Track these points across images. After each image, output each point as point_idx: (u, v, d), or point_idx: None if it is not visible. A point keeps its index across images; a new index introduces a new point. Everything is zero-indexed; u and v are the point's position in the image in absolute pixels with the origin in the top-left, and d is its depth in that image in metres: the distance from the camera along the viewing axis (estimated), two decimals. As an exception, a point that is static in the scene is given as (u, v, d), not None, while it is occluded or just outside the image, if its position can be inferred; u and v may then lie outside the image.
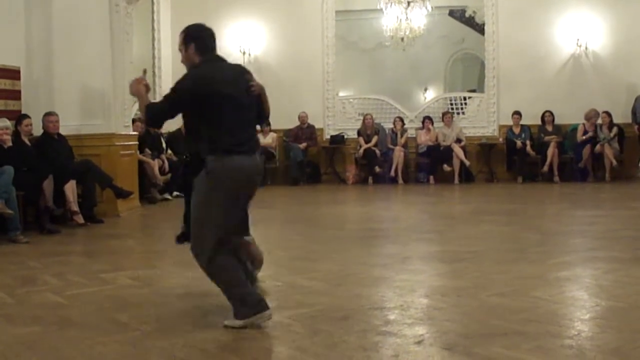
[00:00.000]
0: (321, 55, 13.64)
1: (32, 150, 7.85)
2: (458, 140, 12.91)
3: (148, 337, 3.54)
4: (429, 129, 13.12)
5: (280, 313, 3.82)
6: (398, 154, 12.87)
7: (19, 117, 7.98)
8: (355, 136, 13.32)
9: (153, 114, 3.73)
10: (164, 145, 11.26)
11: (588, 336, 3.43)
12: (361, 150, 13.08)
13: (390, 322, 3.72)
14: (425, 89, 18.16)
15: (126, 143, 9.19)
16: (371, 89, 15.84)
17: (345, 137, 13.53)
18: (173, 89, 3.70)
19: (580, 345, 3.24)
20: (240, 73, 3.86)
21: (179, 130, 10.11)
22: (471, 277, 4.77)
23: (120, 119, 9.02)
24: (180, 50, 3.85)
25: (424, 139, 13.12)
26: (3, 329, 3.79)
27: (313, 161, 13.60)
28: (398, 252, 5.96)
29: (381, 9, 13.10)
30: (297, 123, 13.34)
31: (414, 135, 13.30)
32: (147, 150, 10.59)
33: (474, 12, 16.42)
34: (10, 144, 7.42)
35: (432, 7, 13.21)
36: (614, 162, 12.17)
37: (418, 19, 12.97)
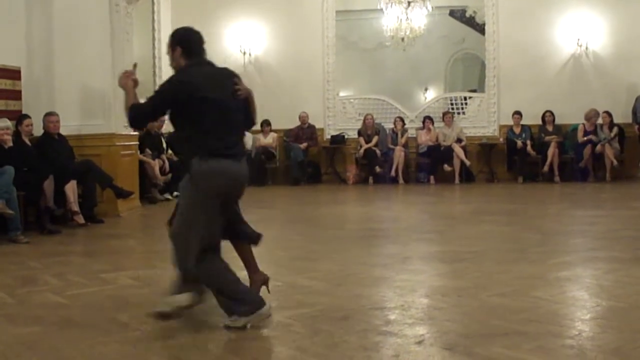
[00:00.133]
0: (321, 55, 13.64)
1: (32, 151, 7.85)
2: (458, 140, 12.92)
3: (148, 337, 3.54)
4: (429, 129, 13.12)
5: (280, 313, 3.82)
6: (398, 154, 12.87)
7: (19, 117, 7.98)
8: (356, 136, 13.32)
9: (136, 114, 3.72)
10: (164, 145, 11.26)
11: (589, 336, 3.43)
12: (362, 150, 13.08)
13: (391, 322, 3.71)
14: (426, 89, 18.16)
15: (127, 143, 9.19)
16: (371, 89, 15.85)
17: (346, 137, 13.53)
18: (156, 91, 3.72)
19: (581, 345, 3.24)
20: (227, 77, 3.84)
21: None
22: (472, 277, 4.77)
23: (121, 119, 8.96)
24: (167, 53, 3.86)
25: (425, 139, 13.13)
26: (3, 329, 3.79)
27: (313, 161, 13.60)
28: (398, 252, 5.96)
29: (381, 9, 13.10)
30: (298, 123, 13.34)
31: (415, 135, 13.30)
32: (148, 151, 10.60)
33: (475, 12, 16.42)
34: (10, 144, 7.42)
35: (432, 7, 13.22)
36: (615, 162, 12.16)
37: (418, 19, 12.98)
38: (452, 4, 17.05)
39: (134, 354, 3.32)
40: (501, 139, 13.12)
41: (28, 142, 7.88)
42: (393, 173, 12.94)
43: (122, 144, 9.03)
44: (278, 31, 13.61)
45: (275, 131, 13.21)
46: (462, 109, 13.72)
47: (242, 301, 3.61)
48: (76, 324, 3.83)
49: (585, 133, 12.41)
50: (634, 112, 12.40)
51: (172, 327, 3.66)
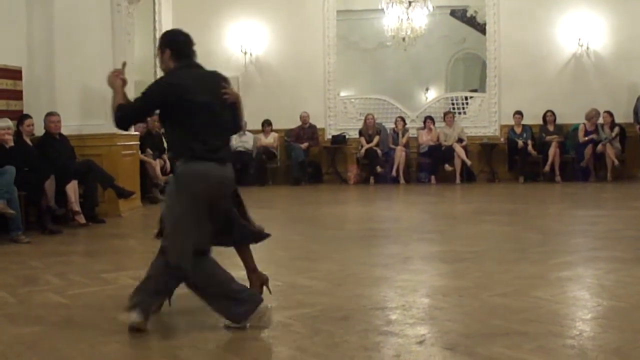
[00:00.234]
0: (322, 55, 13.63)
1: (33, 151, 7.85)
2: (459, 140, 12.91)
3: (148, 337, 3.54)
4: (430, 129, 13.12)
5: (280, 313, 3.82)
6: (399, 154, 12.87)
7: (20, 117, 7.99)
8: (357, 136, 13.31)
9: (122, 114, 3.71)
10: (165, 145, 11.26)
11: (590, 336, 3.43)
12: (362, 150, 13.07)
13: (392, 322, 3.71)
14: (427, 89, 18.14)
15: (127, 143, 9.19)
16: (372, 88, 15.83)
17: (347, 137, 13.52)
18: (143, 93, 3.70)
19: (582, 345, 3.24)
20: (216, 80, 3.82)
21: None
22: (473, 277, 4.77)
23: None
24: (157, 55, 3.86)
25: (426, 138, 13.12)
26: (4, 328, 3.79)
27: (314, 161, 13.59)
28: (399, 252, 5.96)
29: (382, 9, 13.08)
30: (299, 123, 13.33)
31: (416, 135, 13.30)
32: (149, 150, 10.60)
33: (476, 11, 16.40)
34: (12, 144, 7.42)
35: (433, 7, 13.19)
36: (616, 162, 12.15)
37: (419, 18, 12.96)
38: (453, 4, 17.03)
39: (135, 354, 3.32)
40: (502, 139, 13.11)
41: (29, 142, 7.89)
42: (394, 173, 12.93)
43: (123, 143, 9.02)
44: (279, 31, 13.60)
45: (276, 131, 13.20)
46: (463, 108, 13.72)
47: (242, 301, 3.60)
48: (77, 324, 3.83)
49: (586, 133, 12.40)
50: (636, 112, 12.40)
51: (172, 327, 3.66)
